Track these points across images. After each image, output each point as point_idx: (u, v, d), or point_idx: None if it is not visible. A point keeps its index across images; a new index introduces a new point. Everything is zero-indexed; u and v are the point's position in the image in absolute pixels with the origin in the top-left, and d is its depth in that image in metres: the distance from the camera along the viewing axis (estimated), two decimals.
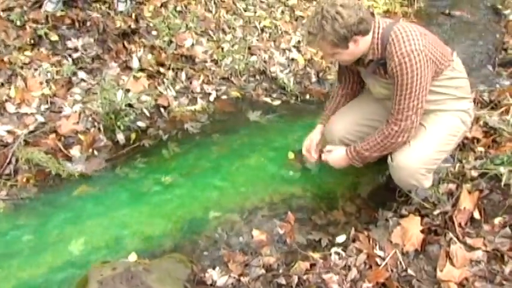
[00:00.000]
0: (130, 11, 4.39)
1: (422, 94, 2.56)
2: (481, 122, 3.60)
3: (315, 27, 2.47)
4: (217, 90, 4.21)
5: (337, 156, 2.93)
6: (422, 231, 2.72)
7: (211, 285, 2.61)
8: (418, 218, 2.80)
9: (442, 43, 2.74)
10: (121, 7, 4.38)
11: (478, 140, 3.48)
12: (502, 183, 2.83)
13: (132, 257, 2.76)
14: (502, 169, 2.89)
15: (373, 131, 2.86)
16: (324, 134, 3.20)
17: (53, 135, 3.47)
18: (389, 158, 2.87)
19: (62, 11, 4.12)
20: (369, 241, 2.76)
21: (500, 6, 6.18)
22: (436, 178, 3.24)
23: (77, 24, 4.12)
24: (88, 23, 4.15)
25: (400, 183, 2.96)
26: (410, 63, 2.46)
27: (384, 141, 2.71)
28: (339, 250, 2.73)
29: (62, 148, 3.43)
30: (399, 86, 2.54)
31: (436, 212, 2.87)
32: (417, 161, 2.76)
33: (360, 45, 2.56)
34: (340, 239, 2.91)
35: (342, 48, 2.53)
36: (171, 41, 4.35)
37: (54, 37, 3.98)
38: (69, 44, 4.00)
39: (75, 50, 4.00)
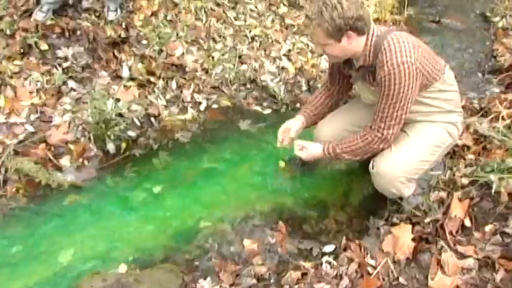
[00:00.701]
0: (121, 20, 4.38)
1: (407, 106, 2.58)
2: (471, 130, 3.62)
3: (314, 12, 2.48)
4: (207, 99, 4.21)
5: (312, 153, 2.95)
6: (413, 240, 2.72)
7: None
8: (409, 226, 2.81)
9: (435, 55, 2.76)
10: (111, 16, 4.37)
11: (469, 148, 3.50)
12: (493, 191, 2.85)
13: (123, 268, 2.74)
14: (492, 176, 2.91)
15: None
16: (313, 137, 3.24)
17: (43, 145, 3.44)
18: (370, 164, 2.91)
19: (51, 20, 4.11)
20: (360, 250, 2.76)
21: (489, 14, 6.22)
22: (426, 186, 3.27)
23: (67, 33, 4.11)
24: (78, 32, 4.14)
25: (380, 190, 2.99)
26: (399, 75, 2.48)
27: (366, 146, 2.75)
28: (330, 259, 2.73)
29: (51, 158, 3.40)
30: (385, 95, 2.56)
31: (427, 220, 2.88)
32: (397, 169, 2.80)
33: (353, 44, 2.57)
34: (328, 248, 2.91)
35: (334, 40, 2.53)
36: (161, 50, 4.35)
37: (44, 46, 3.96)
38: (59, 53, 3.99)
39: (65, 59, 3.99)
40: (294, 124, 3.11)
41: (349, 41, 2.54)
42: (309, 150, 2.96)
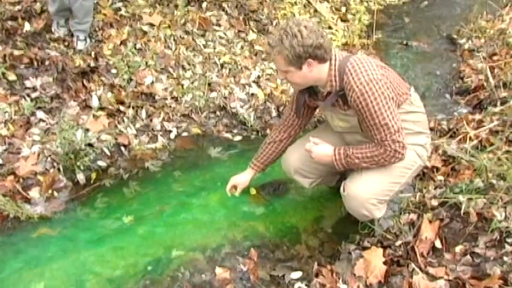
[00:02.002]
0: (90, 50, 4.38)
1: (395, 113, 2.61)
2: (440, 151, 3.67)
3: (274, 40, 2.52)
4: (177, 128, 4.21)
5: (323, 151, 2.87)
6: (385, 263, 2.74)
7: None
8: (381, 250, 2.83)
9: (399, 77, 2.80)
10: (80, 46, 4.37)
11: (438, 169, 3.55)
12: (462, 212, 2.89)
13: None
14: (461, 197, 2.95)
15: (328, 165, 2.90)
16: (281, 162, 3.27)
17: (11, 177, 3.40)
18: (341, 187, 2.93)
19: (20, 50, 4.08)
20: (332, 275, 2.77)
21: (455, 36, 6.36)
22: (397, 208, 3.29)
23: (35, 63, 4.09)
24: (47, 62, 4.12)
25: (352, 213, 3.00)
26: (371, 92, 2.51)
27: (378, 156, 2.72)
28: (303, 285, 2.73)
29: (20, 190, 3.36)
30: (368, 116, 2.58)
31: (398, 243, 2.90)
32: (367, 192, 2.81)
33: (314, 72, 2.60)
34: (295, 275, 2.90)
35: (295, 67, 2.57)
36: (130, 79, 4.34)
37: (12, 77, 3.93)
38: (28, 83, 3.96)
39: (34, 89, 3.96)
40: (242, 180, 3.34)
41: (309, 68, 2.57)
42: (320, 147, 2.88)
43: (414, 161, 2.90)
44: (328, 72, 2.64)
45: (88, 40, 4.44)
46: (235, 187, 3.37)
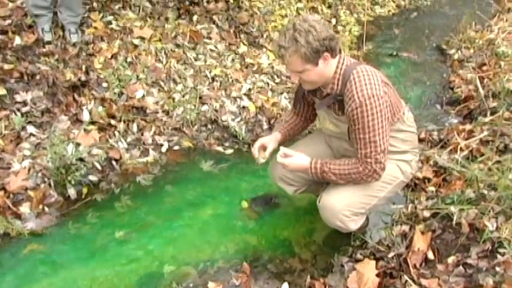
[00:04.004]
0: (81, 63, 4.36)
1: (385, 134, 2.59)
2: (431, 162, 3.68)
3: (287, 41, 2.47)
4: (169, 141, 4.20)
5: (298, 164, 2.83)
6: (378, 275, 2.74)
7: None
8: (373, 262, 2.83)
9: (397, 96, 2.79)
10: (74, 38, 4.44)
11: (429, 180, 3.56)
12: (454, 222, 2.88)
13: None
14: (452, 208, 2.95)
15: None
16: (268, 169, 3.25)
17: (1, 193, 3.37)
18: (318, 198, 2.92)
19: (10, 64, 4.07)
20: None
21: (445, 47, 6.39)
22: (389, 220, 3.29)
23: (25, 77, 4.07)
24: (37, 76, 4.10)
25: (327, 224, 2.97)
26: (371, 106, 2.49)
27: (355, 175, 2.70)
28: None
29: (10, 206, 3.34)
30: (361, 128, 2.56)
31: (390, 255, 2.90)
32: (341, 203, 2.80)
33: (328, 67, 2.57)
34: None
35: (312, 64, 2.52)
36: (121, 93, 4.33)
37: (2, 91, 3.90)
38: (18, 97, 3.93)
39: (24, 103, 3.93)
40: (271, 142, 3.05)
41: (325, 63, 2.54)
42: (295, 159, 2.83)
43: (396, 176, 2.89)
44: (333, 74, 2.62)
45: (80, 32, 4.48)
46: (263, 148, 3.06)
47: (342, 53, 2.64)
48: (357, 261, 2.94)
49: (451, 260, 2.70)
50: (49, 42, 4.37)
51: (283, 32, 2.52)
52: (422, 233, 2.92)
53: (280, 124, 3.21)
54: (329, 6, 6.97)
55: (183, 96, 4.54)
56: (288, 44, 2.47)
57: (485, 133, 3.85)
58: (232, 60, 5.15)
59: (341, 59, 2.62)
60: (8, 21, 4.38)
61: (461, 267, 2.62)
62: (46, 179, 3.55)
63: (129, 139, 4.09)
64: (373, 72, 2.60)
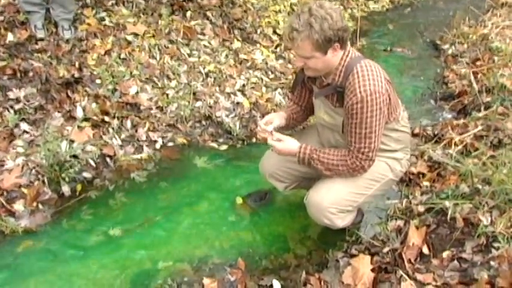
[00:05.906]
0: (74, 59, 4.35)
1: (380, 133, 2.59)
2: (426, 157, 3.69)
3: (301, 24, 2.40)
4: (163, 138, 4.19)
5: (288, 147, 2.81)
6: (373, 270, 2.75)
7: None
8: (368, 257, 2.84)
9: (396, 96, 2.77)
10: (67, 34, 4.43)
11: (424, 175, 3.57)
12: (448, 217, 2.90)
13: None
14: (447, 203, 2.97)
15: (303, 171, 2.91)
16: (259, 165, 3.24)
17: None
18: (305, 195, 2.92)
19: (3, 61, 4.05)
20: (321, 283, 2.78)
21: (439, 42, 6.43)
22: (384, 215, 3.30)
23: (18, 74, 4.04)
24: (30, 73, 4.08)
25: (314, 220, 2.98)
26: (371, 103, 2.47)
27: (342, 167, 2.70)
28: None
29: (4, 203, 3.32)
30: (358, 123, 2.54)
31: (385, 250, 2.91)
32: (327, 200, 2.79)
33: (336, 57, 2.54)
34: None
35: (321, 52, 2.48)
36: (115, 89, 4.31)
37: None
38: (11, 94, 3.91)
39: (17, 100, 3.91)
40: (277, 117, 2.99)
41: (334, 53, 2.51)
42: (285, 143, 2.80)
43: (385, 174, 2.88)
44: (336, 65, 2.58)
45: (73, 29, 4.47)
46: (271, 123, 3.00)
47: (348, 45, 2.61)
48: (352, 256, 2.94)
49: (445, 254, 2.71)
50: (42, 39, 4.35)
51: (297, 14, 2.46)
52: (417, 228, 2.93)
53: (282, 110, 3.20)
54: None
55: (177, 93, 4.53)
56: (301, 27, 2.41)
57: (479, 128, 3.87)
58: (226, 56, 5.13)
59: (346, 51, 2.58)
60: (0, 18, 4.37)
61: (456, 261, 2.64)
62: (40, 176, 3.53)
63: (123, 136, 4.07)
64: (377, 69, 2.57)
